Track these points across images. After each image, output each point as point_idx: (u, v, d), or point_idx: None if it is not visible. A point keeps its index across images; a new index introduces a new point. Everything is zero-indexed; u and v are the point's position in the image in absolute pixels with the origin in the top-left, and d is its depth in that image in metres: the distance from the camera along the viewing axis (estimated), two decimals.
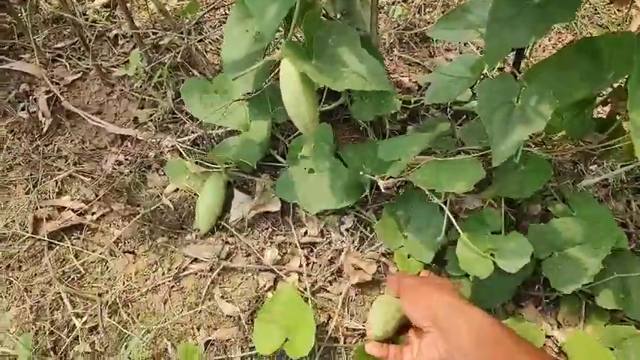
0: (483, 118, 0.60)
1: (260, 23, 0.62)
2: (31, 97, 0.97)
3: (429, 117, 0.92)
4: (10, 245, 0.77)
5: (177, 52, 0.94)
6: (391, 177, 0.71)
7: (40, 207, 0.80)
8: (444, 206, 0.67)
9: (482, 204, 0.77)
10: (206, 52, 1.01)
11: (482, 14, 0.70)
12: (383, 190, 0.68)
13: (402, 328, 0.62)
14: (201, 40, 1.01)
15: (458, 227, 0.65)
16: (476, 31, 0.69)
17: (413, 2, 1.13)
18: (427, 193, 0.69)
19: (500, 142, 0.58)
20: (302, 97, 0.61)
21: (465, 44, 1.08)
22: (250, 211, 0.79)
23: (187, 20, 0.97)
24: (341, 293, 0.73)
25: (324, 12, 0.76)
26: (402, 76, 1.01)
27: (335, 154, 0.80)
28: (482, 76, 0.82)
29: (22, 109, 0.96)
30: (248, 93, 0.80)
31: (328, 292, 0.73)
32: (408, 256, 0.72)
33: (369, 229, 0.78)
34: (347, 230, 0.78)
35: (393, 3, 1.13)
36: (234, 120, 0.80)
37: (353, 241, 0.77)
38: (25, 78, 1.01)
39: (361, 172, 0.72)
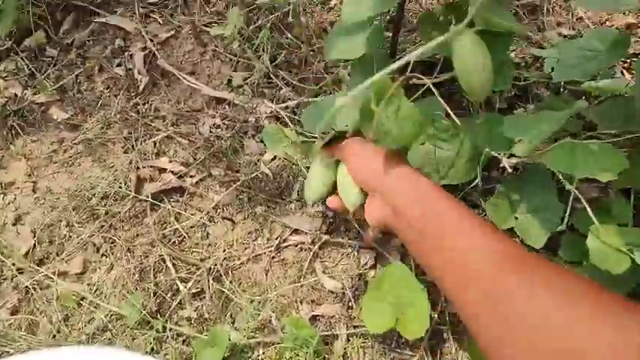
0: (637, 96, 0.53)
1: None
2: (126, 53, 0.96)
3: (542, 96, 0.85)
4: (113, 204, 0.77)
5: (279, 14, 0.89)
6: (514, 156, 0.66)
7: (142, 167, 0.80)
8: (575, 192, 0.61)
9: (601, 194, 0.71)
10: (305, 12, 0.96)
11: None
12: (508, 169, 0.63)
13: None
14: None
15: (593, 216, 0.60)
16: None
17: None
18: (558, 175, 0.64)
19: None
20: (488, 78, 0.56)
21: (578, 19, 0.98)
22: None
23: None
24: None
25: None
26: (510, 50, 0.93)
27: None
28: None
29: (118, 64, 0.95)
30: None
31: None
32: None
33: (476, 211, 0.73)
34: None
35: None
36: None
37: None
38: (119, 33, 0.99)
39: (486, 149, 0.67)
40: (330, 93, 0.86)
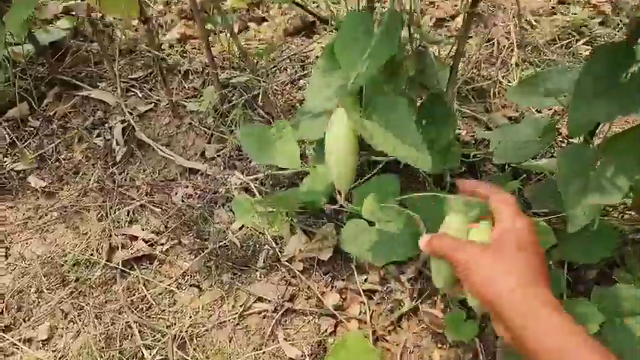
0: (560, 185, 0.61)
1: (347, 77, 0.66)
2: (106, 125, 1.02)
3: (490, 173, 0.93)
4: (84, 271, 0.80)
5: (251, 93, 0.98)
6: None
7: (115, 235, 0.83)
8: None
9: None
10: (275, 94, 1.05)
11: (560, 83, 0.72)
12: None
13: None
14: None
15: None
16: (554, 98, 0.71)
17: (472, 58, 1.16)
18: None
19: (576, 210, 0.59)
20: (350, 156, 0.61)
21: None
22: (302, 253, 0.82)
23: (262, 62, 1.02)
24: (399, 344, 0.74)
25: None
26: (459, 129, 1.03)
27: (399, 204, 0.82)
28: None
29: (98, 135, 1.01)
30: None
31: (387, 341, 0.74)
32: (465, 320, 0.73)
33: (428, 281, 0.79)
34: (408, 280, 0.79)
35: (451, 56, 1.16)
36: (287, 161, 0.80)
37: (412, 292, 0.78)
38: (100, 106, 1.06)
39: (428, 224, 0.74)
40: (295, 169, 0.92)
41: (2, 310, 0.76)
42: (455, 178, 0.91)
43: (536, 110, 1.04)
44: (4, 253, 0.84)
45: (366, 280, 0.80)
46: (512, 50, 1.09)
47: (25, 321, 0.75)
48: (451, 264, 0.48)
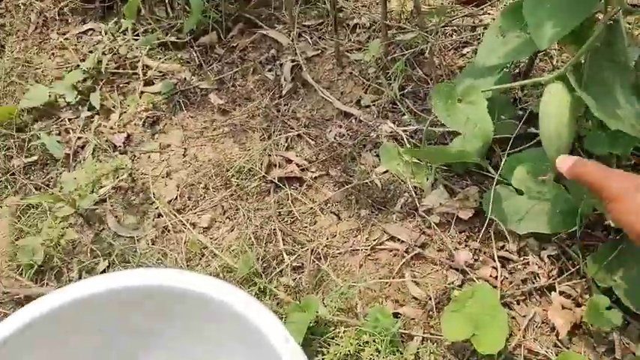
0: None
1: (535, 38, 0.65)
2: (277, 62, 1.12)
3: None
4: (245, 179, 0.91)
5: (415, 51, 1.00)
6: None
7: (273, 155, 0.93)
8: None
9: None
10: (441, 52, 1.06)
11: None
12: (609, 222, 0.66)
13: None
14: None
15: None
16: None
17: None
18: None
19: None
20: (566, 127, 0.62)
21: None
22: (441, 207, 0.83)
23: (434, 21, 1.03)
24: (526, 316, 0.72)
25: None
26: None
27: (555, 180, 0.80)
28: None
29: (269, 70, 1.11)
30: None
31: (514, 310, 0.74)
32: (608, 308, 0.69)
33: (571, 262, 0.76)
34: (548, 257, 0.77)
35: None
36: (479, 132, 0.78)
37: (551, 270, 0.75)
38: (275, 45, 1.17)
39: (588, 200, 0.70)
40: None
41: (177, 197, 0.90)
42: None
43: None
44: (183, 153, 0.98)
45: (502, 247, 0.79)
46: None
47: (192, 209, 0.88)
48: (594, 191, 0.48)
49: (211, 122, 1.03)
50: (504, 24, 0.79)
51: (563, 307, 0.71)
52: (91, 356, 0.58)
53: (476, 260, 0.78)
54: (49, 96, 1.10)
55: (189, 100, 1.08)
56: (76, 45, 1.24)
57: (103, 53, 1.17)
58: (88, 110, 1.08)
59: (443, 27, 1.08)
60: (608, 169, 0.49)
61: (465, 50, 1.10)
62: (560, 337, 0.68)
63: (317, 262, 0.79)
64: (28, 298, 0.78)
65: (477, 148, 0.84)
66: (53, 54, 1.24)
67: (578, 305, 0.71)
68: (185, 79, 1.12)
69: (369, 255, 0.80)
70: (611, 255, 0.71)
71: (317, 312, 0.71)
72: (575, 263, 0.74)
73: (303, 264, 0.79)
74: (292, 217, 0.86)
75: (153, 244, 0.84)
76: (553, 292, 0.73)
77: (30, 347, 0.53)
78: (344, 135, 0.96)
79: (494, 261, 0.77)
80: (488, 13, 1.17)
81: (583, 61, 0.66)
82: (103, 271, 0.81)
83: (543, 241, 0.78)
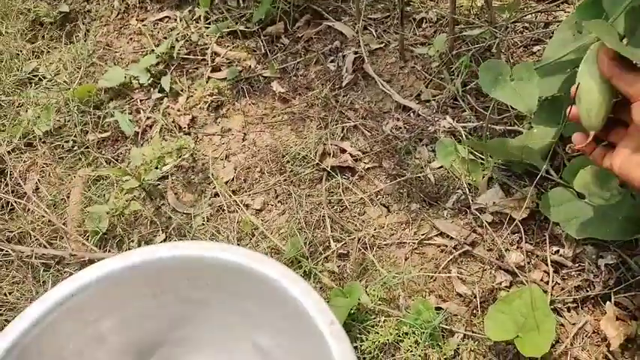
0: None
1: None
2: (340, 54, 1.14)
3: None
4: (299, 166, 0.93)
5: (483, 47, 0.98)
6: None
7: (328, 144, 0.95)
8: None
9: None
10: (509, 49, 1.03)
11: None
12: None
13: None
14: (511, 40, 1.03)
15: None
16: None
17: None
18: None
19: None
20: (602, 96, 0.56)
21: None
22: (495, 206, 0.81)
23: (503, 17, 1.01)
24: (576, 324, 0.69)
25: None
26: None
27: (620, 186, 0.75)
28: None
29: (332, 61, 1.13)
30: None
31: (563, 316, 0.71)
32: None
33: (630, 273, 0.71)
34: (605, 266, 0.73)
35: None
36: (522, 103, 0.76)
37: (608, 279, 0.72)
38: (339, 37, 1.18)
39: None
40: (511, 126, 0.91)
41: (234, 178, 0.94)
42: None
43: None
44: (243, 137, 1.02)
45: (556, 252, 0.76)
46: None
47: (247, 191, 0.92)
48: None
49: (271, 109, 1.06)
50: (580, 16, 0.75)
51: (618, 319, 0.67)
52: (145, 321, 0.63)
53: (528, 263, 0.76)
54: (125, 77, 1.17)
55: (252, 87, 1.11)
56: (152, 31, 1.32)
57: (176, 39, 1.24)
58: (159, 92, 1.15)
59: (513, 23, 1.05)
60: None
61: (535, 48, 1.06)
62: (611, 349, 0.65)
63: (363, 250, 0.80)
64: (91, 262, 0.85)
65: (539, 148, 0.82)
66: (131, 39, 1.32)
67: (634, 318, 0.67)
68: (250, 66, 1.16)
69: (415, 249, 0.80)
70: None
71: (359, 299, 0.72)
72: (635, 274, 0.70)
73: (349, 252, 0.80)
74: (342, 206, 0.87)
75: (207, 222, 0.88)
76: (608, 302, 0.69)
77: (91, 305, 0.58)
78: (400, 128, 0.96)
79: (547, 265, 0.74)
80: (565, 11, 1.12)
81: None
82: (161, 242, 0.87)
83: (602, 248, 0.74)
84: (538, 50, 1.05)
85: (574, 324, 0.70)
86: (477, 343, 0.68)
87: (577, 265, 0.74)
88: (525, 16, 1.08)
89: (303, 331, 0.52)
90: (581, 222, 0.74)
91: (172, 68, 1.20)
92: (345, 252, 0.81)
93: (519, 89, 0.69)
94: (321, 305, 0.51)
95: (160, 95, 1.15)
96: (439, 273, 0.76)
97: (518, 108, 0.69)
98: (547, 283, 0.73)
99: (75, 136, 1.08)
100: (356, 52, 1.12)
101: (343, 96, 1.05)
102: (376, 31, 1.18)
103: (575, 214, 0.75)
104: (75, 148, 1.06)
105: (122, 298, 0.61)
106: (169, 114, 1.10)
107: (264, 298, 0.57)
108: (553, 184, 0.81)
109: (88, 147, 1.06)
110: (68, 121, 1.11)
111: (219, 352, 0.65)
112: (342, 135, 0.98)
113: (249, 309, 0.61)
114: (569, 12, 1.10)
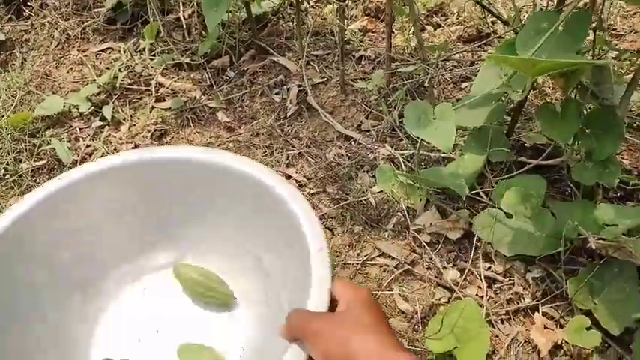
0: None
1: (525, 71, 0.70)
2: (284, 87, 1.18)
3: None
4: None
5: (416, 82, 1.06)
6: (602, 239, 0.72)
7: (273, 171, 0.96)
8: None
9: None
10: (440, 85, 1.12)
11: None
12: (592, 246, 0.69)
13: None
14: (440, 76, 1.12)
15: None
16: None
17: None
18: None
19: None
20: None
21: None
22: (432, 227, 0.86)
23: (434, 56, 1.09)
24: (509, 335, 0.74)
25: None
26: (624, 159, 0.98)
27: (542, 206, 0.83)
28: None
29: (276, 93, 1.17)
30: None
31: (498, 329, 0.75)
32: (588, 328, 0.70)
33: (555, 285, 0.77)
34: (533, 279, 0.79)
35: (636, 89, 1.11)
36: (441, 141, 0.84)
37: (535, 291, 0.77)
38: (283, 71, 1.23)
39: (574, 223, 0.73)
40: (445, 153, 0.98)
41: None
42: (606, 201, 0.88)
43: None
44: None
45: (489, 268, 0.81)
46: None
47: None
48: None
49: (217, 138, 1.07)
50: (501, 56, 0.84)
51: (546, 327, 0.72)
52: (135, 224, 0.73)
53: (464, 279, 0.80)
54: (64, 106, 1.15)
55: (197, 116, 1.13)
56: (94, 62, 1.31)
57: (120, 70, 1.24)
58: (100, 121, 1.13)
59: (443, 61, 1.14)
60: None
61: (463, 84, 1.16)
62: (541, 356, 0.69)
63: None
64: None
65: (469, 174, 0.88)
66: (72, 69, 1.31)
67: (560, 326, 0.73)
68: (195, 97, 1.18)
69: (359, 269, 0.82)
70: (591, 278, 0.73)
71: None
72: (559, 286, 0.76)
73: None
74: None
75: None
76: (536, 313, 0.74)
77: (88, 195, 0.69)
78: (343, 155, 1.00)
79: (481, 280, 0.79)
80: (487, 52, 1.23)
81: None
82: None
83: (529, 263, 0.80)
84: (466, 86, 1.14)
85: (507, 334, 0.74)
86: (420, 356, 0.70)
87: (508, 279, 0.79)
88: (454, 55, 1.18)
89: (294, 246, 0.58)
90: (510, 240, 0.80)
91: (115, 98, 1.19)
92: None
93: (439, 128, 0.75)
94: (316, 229, 0.57)
95: (101, 124, 1.13)
96: (382, 291, 0.78)
97: (438, 146, 0.75)
98: (482, 297, 0.77)
99: (7, 164, 1.03)
100: (300, 86, 1.17)
101: (288, 126, 1.08)
102: (319, 66, 1.24)
103: (504, 234, 0.81)
104: (7, 177, 1.01)
105: (113, 198, 0.71)
106: (111, 142, 1.08)
107: (259, 205, 0.66)
108: (484, 206, 0.87)
109: (21, 175, 1.01)
110: (0, 148, 1.06)
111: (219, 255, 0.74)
112: (287, 162, 1.00)
113: (240, 213, 0.70)
114: (491, 52, 1.21)
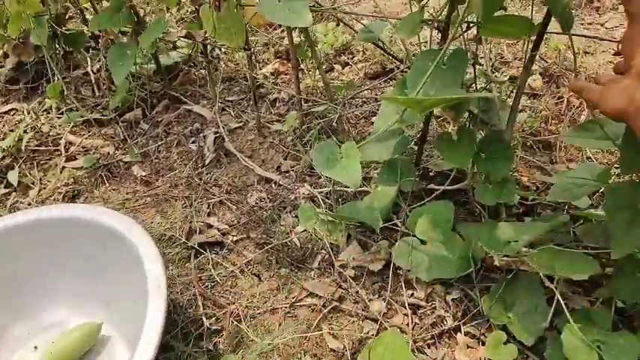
0: (607, 214, 0.65)
1: (414, 107, 0.75)
2: (201, 135, 1.18)
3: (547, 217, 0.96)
4: (166, 246, 0.92)
5: (329, 120, 1.10)
6: (506, 256, 0.77)
7: (194, 221, 0.96)
8: (556, 291, 0.70)
9: (589, 306, 0.79)
10: (349, 122, 1.17)
11: (615, 130, 0.76)
12: (497, 264, 0.74)
13: None
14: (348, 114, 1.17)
15: (568, 315, 0.68)
16: (611, 142, 0.75)
17: (540, 113, 1.21)
18: (542, 277, 0.73)
19: (621, 238, 0.63)
20: None
21: (587, 158, 1.12)
22: (355, 261, 0.88)
23: (341, 95, 1.15)
24: (436, 358, 0.77)
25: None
26: (522, 176, 1.07)
27: (451, 229, 0.88)
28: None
29: (193, 142, 1.16)
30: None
31: (425, 354, 0.78)
32: (505, 342, 0.75)
33: (473, 304, 0.82)
34: (453, 300, 0.83)
35: (521, 110, 1.22)
36: (348, 179, 0.88)
37: (456, 312, 0.81)
38: (199, 119, 1.23)
39: (479, 244, 0.78)
40: (360, 187, 1.01)
41: None
42: (510, 218, 0.95)
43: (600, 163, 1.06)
44: None
45: (412, 295, 0.85)
46: (582, 110, 1.13)
47: None
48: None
49: (134, 193, 1.05)
50: (397, 93, 0.90)
51: (468, 347, 0.76)
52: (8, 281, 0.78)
53: (389, 309, 0.83)
54: None
55: (111, 173, 1.10)
56: None
57: (25, 131, 1.18)
58: (5, 188, 1.07)
59: (351, 99, 1.20)
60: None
61: (374, 119, 1.22)
62: None
63: (237, 323, 0.80)
64: None
65: (384, 205, 0.92)
66: None
67: (482, 343, 0.77)
68: (109, 153, 1.15)
69: (288, 312, 0.82)
70: (502, 294, 0.78)
71: None
72: (476, 304, 0.81)
73: (222, 327, 0.80)
74: (212, 282, 0.87)
75: None
76: (459, 334, 0.78)
77: None
78: (264, 199, 1.01)
79: (405, 308, 0.82)
80: (392, 86, 1.31)
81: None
82: None
83: (448, 286, 0.84)
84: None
85: (435, 359, 0.77)
86: None
87: (430, 304, 0.83)
88: (361, 92, 1.24)
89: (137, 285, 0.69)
90: (427, 266, 0.84)
91: (21, 161, 1.13)
92: (219, 328, 0.80)
93: (346, 166, 0.78)
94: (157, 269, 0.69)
95: (7, 190, 1.07)
96: (312, 332, 0.79)
97: (346, 183, 0.78)
98: (407, 325, 0.80)
99: None
100: (216, 132, 1.18)
101: (207, 174, 1.08)
102: (234, 111, 1.26)
103: (421, 260, 0.85)
104: None
105: None
106: (18, 208, 1.02)
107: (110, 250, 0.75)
108: (401, 234, 0.91)
109: None
110: None
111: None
112: (208, 211, 1.00)
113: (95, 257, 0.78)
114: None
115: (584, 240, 0.81)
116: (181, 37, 1.17)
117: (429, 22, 0.86)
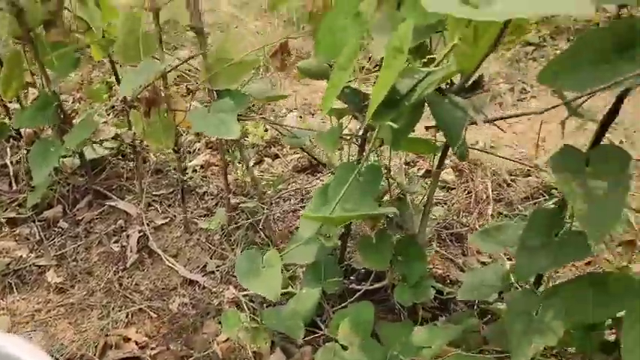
0: (507, 324, 0.70)
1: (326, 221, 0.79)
2: (124, 233, 1.15)
3: (459, 310, 1.01)
4: None
5: (256, 218, 1.11)
6: None
7: (111, 335, 0.91)
8: None
9: None
10: (276, 221, 1.19)
11: (512, 236, 0.83)
12: None
13: None
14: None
15: None
16: (506, 248, 0.82)
17: (453, 206, 1.29)
18: None
19: (519, 348, 0.67)
20: None
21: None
22: None
23: (270, 192, 1.17)
24: None
25: None
26: (437, 268, 1.13)
27: (371, 332, 0.89)
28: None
29: (115, 241, 1.13)
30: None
31: None
32: None
33: None
34: None
35: (436, 204, 1.30)
36: (268, 290, 0.83)
37: None
38: (123, 216, 1.20)
39: (395, 353, 0.80)
40: (285, 288, 1.02)
41: None
42: (426, 314, 0.99)
43: (508, 258, 1.14)
44: None
45: None
46: (488, 203, 1.22)
47: None
48: None
49: (45, 303, 0.99)
50: (318, 201, 0.93)
51: None
52: None
53: None
54: None
55: (22, 280, 1.03)
56: None
57: None
58: None
59: (277, 198, 1.23)
60: None
61: (301, 212, 1.25)
62: None
63: None
64: None
65: (307, 308, 0.93)
66: None
67: None
68: (21, 256, 1.09)
69: None
70: None
71: None
72: None
73: None
74: None
75: None
76: None
77: None
78: (187, 304, 0.99)
79: None
80: (320, 179, 1.36)
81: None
82: None
83: None
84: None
85: None
86: None
87: None
88: (288, 192, 1.27)
89: None
90: None
91: None
92: None
93: (267, 277, 0.80)
94: None
95: None
96: None
97: (265, 295, 0.79)
98: None
99: None
100: (140, 231, 1.15)
101: (127, 278, 1.05)
102: (161, 206, 1.25)
103: None
104: None
105: None
106: None
107: None
108: (325, 338, 0.92)
109: None
110: None
111: None
112: (126, 321, 0.95)
113: None
114: (322, 181, 1.34)
115: (492, 343, 0.85)
116: (110, 137, 1.17)
117: (348, 139, 0.92)
